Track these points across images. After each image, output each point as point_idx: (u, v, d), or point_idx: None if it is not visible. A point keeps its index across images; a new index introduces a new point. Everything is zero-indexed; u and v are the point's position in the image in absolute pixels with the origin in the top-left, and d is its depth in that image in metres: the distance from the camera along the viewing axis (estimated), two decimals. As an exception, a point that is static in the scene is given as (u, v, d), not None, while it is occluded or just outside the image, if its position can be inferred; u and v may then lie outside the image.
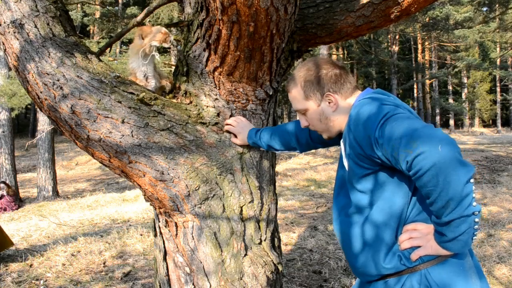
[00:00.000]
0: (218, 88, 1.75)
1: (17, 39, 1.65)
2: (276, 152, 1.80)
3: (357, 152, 1.18)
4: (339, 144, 1.62)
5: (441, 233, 1.08)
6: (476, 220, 1.03)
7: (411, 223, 1.20)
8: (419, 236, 1.17)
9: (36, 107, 3.01)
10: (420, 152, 0.97)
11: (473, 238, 1.08)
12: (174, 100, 1.81)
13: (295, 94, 1.34)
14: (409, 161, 1.00)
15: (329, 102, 1.30)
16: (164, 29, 1.76)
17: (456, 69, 24.93)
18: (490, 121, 35.58)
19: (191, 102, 1.78)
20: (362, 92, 1.31)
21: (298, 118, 1.51)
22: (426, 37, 20.33)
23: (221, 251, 1.65)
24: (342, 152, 1.36)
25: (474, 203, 1.00)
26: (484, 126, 34.00)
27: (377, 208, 1.20)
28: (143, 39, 1.80)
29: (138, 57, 1.82)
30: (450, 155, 0.96)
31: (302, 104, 1.34)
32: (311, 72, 1.30)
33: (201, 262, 1.66)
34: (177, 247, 1.72)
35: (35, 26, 1.66)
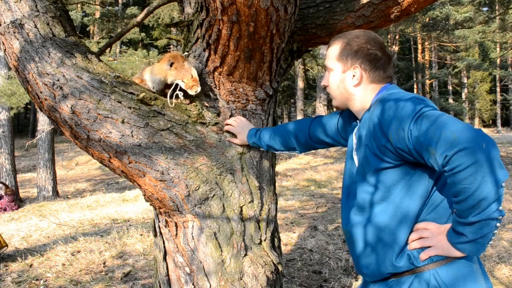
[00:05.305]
0: (218, 88, 1.76)
1: (17, 39, 1.65)
2: (276, 152, 1.80)
3: (381, 144, 1.15)
4: (338, 145, 1.61)
5: (461, 234, 1.06)
6: (498, 225, 1.02)
7: (422, 222, 1.18)
8: (429, 236, 1.15)
9: (36, 107, 3.01)
10: (463, 148, 0.96)
11: (489, 242, 1.06)
12: (174, 100, 1.81)
13: (333, 49, 1.35)
14: (448, 155, 0.97)
15: (353, 75, 1.31)
16: (195, 73, 1.66)
17: (456, 69, 24.90)
18: (490, 121, 35.56)
19: (191, 102, 1.78)
20: (384, 85, 1.30)
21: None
22: (426, 37, 20.32)
23: (221, 251, 1.65)
24: (352, 144, 1.34)
25: (501, 207, 0.99)
26: (484, 126, 33.97)
27: (391, 206, 1.18)
28: (171, 66, 1.70)
29: (156, 78, 1.77)
30: (493, 154, 0.95)
31: (332, 62, 1.35)
32: (358, 40, 1.31)
33: (201, 262, 1.66)
34: (177, 247, 1.72)
35: (35, 26, 1.66)
